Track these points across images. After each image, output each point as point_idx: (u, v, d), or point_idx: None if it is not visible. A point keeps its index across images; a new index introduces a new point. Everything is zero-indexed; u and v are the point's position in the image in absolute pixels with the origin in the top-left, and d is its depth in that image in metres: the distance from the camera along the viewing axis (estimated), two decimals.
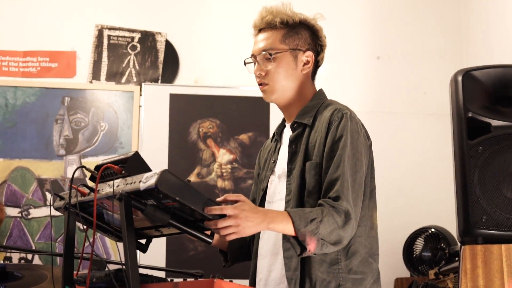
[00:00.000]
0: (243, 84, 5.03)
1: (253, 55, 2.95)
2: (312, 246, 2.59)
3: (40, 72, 5.13)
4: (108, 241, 4.80)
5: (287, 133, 2.97)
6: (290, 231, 2.59)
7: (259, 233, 2.93)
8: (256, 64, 2.94)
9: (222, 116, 5.10)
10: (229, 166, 5.06)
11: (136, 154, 2.55)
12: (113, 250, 4.79)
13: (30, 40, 5.14)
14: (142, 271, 2.50)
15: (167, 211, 2.45)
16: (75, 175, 4.88)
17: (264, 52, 2.91)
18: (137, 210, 2.44)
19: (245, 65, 2.99)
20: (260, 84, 2.94)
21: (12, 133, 5.02)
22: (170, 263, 4.73)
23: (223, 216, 2.47)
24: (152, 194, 2.36)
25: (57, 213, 2.85)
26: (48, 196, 4.94)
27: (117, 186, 2.47)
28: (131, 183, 2.42)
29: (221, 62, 5.23)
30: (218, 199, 2.54)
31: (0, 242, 4.77)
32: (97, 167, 2.62)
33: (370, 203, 2.84)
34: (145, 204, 2.41)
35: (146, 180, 2.35)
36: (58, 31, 5.16)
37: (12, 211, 4.88)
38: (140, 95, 5.11)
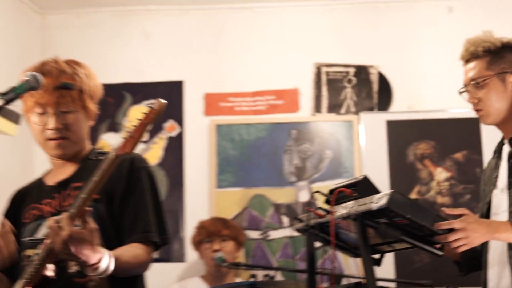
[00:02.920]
0: (454, 106, 4.94)
1: (465, 85, 2.95)
2: None
3: (269, 109, 5.26)
4: (340, 256, 4.82)
5: (507, 149, 2.91)
6: None
7: (486, 245, 2.88)
8: (469, 93, 2.93)
9: (436, 137, 5.03)
10: (446, 183, 4.97)
11: (366, 178, 2.59)
12: (345, 264, 4.81)
13: (257, 81, 5.28)
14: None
15: (398, 228, 2.46)
16: (306, 199, 5.01)
17: (473, 82, 2.90)
18: (370, 228, 2.47)
19: (460, 94, 2.99)
20: (476, 110, 2.93)
21: (248, 165, 5.16)
22: (399, 275, 4.69)
23: (451, 230, 2.45)
24: (383, 213, 2.38)
25: (293, 234, 2.93)
26: (284, 219, 5.04)
27: (351, 207, 2.50)
28: (363, 204, 2.45)
29: (431, 87, 5.16)
30: (444, 209, 2.54)
31: (246, 262, 4.91)
32: (331, 191, 2.67)
33: None
34: (377, 223, 2.43)
35: (378, 201, 2.37)
36: (281, 72, 5.28)
37: (254, 234, 5.01)
38: (359, 123, 5.13)
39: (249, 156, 5.17)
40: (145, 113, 2.28)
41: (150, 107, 2.29)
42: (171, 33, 5.36)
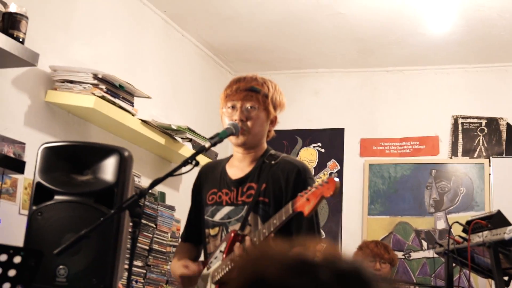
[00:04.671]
0: None
1: None
2: None
3: (413, 152, 5.19)
4: (472, 276, 4.62)
5: None
6: None
7: None
8: None
9: None
10: None
11: (499, 212, 2.50)
12: (475, 283, 4.61)
13: (404, 129, 5.23)
14: None
15: None
16: (442, 227, 4.87)
17: None
18: (502, 254, 2.37)
19: None
20: None
21: (394, 197, 5.10)
22: None
23: None
24: None
25: (430, 255, 2.85)
26: (423, 243, 4.92)
27: (485, 236, 2.42)
28: (496, 234, 2.37)
29: None
30: None
31: (392, 277, 4.81)
32: (468, 222, 2.60)
33: None
34: (509, 250, 2.34)
35: (510, 232, 2.28)
36: (424, 121, 5.20)
37: (398, 254, 4.91)
38: (489, 165, 4.94)
39: (396, 190, 5.10)
40: (323, 184, 2.16)
41: (326, 182, 2.15)
42: (335, 90, 5.41)
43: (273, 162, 2.56)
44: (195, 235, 2.68)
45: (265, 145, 2.66)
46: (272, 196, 2.48)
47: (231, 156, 2.72)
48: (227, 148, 4.62)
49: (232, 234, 2.41)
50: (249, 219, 2.47)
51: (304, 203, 2.17)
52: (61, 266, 2.41)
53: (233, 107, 2.56)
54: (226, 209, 2.56)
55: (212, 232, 2.58)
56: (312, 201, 2.15)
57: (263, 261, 0.82)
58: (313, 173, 5.20)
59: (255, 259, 0.84)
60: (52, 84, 3.44)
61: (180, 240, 2.84)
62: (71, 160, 2.65)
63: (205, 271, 2.51)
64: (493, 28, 4.51)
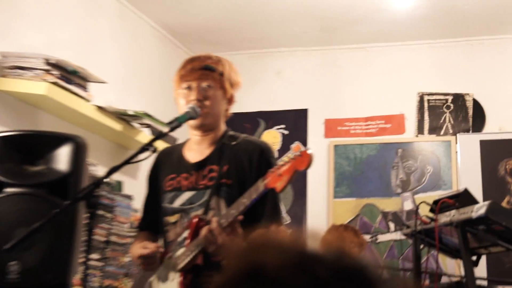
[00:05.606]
0: None
1: None
2: None
3: (378, 132, 5.20)
4: (440, 258, 4.67)
5: None
6: None
7: None
8: None
9: None
10: None
11: (466, 190, 2.51)
12: (443, 264, 4.66)
13: (369, 108, 5.24)
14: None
15: (495, 234, 2.36)
16: (410, 208, 4.90)
17: None
18: (470, 234, 2.38)
19: None
20: None
21: (360, 179, 5.11)
22: (490, 275, 4.48)
23: None
24: (482, 221, 2.30)
25: (398, 237, 2.86)
26: (390, 225, 4.95)
27: (453, 216, 2.43)
28: (464, 213, 2.38)
29: None
30: None
31: None
32: (435, 202, 2.61)
33: None
34: (477, 229, 2.35)
35: (477, 210, 2.30)
36: (389, 100, 5.22)
37: (365, 237, 4.92)
38: (456, 143, 4.98)
39: (362, 171, 5.11)
40: (295, 157, 2.11)
41: (299, 155, 2.10)
42: (298, 69, 5.39)
43: (233, 143, 2.52)
44: (153, 224, 2.63)
45: (223, 126, 2.61)
46: (236, 178, 2.44)
47: (188, 140, 2.67)
48: (186, 132, 4.58)
49: (196, 220, 2.38)
50: (212, 203, 2.44)
51: (275, 179, 2.12)
52: (13, 262, 2.35)
53: (189, 87, 2.52)
54: (186, 195, 2.51)
55: (172, 219, 2.52)
56: (285, 176, 2.09)
57: (263, 250, 0.79)
58: (276, 156, 5.18)
59: (256, 247, 0.81)
60: (1, 71, 3.35)
61: (138, 230, 2.79)
62: (22, 150, 2.60)
63: (167, 259, 2.47)
64: (457, 1, 4.53)
